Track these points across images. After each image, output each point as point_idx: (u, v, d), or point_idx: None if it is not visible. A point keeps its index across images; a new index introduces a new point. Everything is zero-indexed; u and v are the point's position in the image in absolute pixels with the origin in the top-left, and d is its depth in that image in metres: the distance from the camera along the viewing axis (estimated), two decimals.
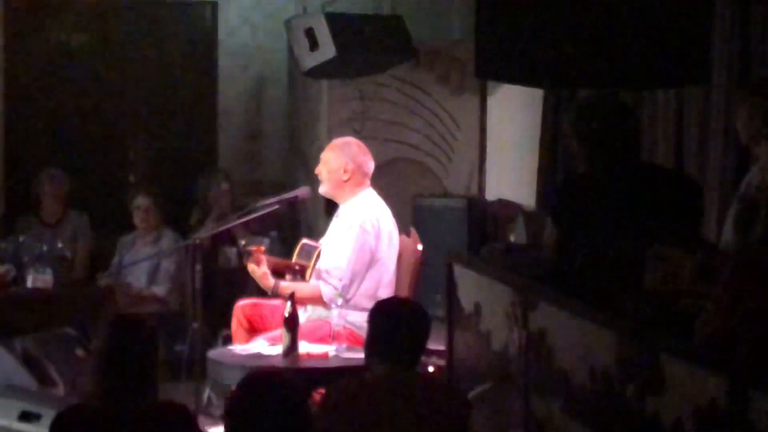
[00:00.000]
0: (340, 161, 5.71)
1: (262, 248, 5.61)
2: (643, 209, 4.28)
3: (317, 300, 5.60)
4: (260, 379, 3.27)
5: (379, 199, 5.77)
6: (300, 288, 5.58)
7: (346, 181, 5.70)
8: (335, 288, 5.53)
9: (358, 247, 5.58)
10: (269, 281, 5.60)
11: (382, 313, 4.12)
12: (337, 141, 5.90)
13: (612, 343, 3.49)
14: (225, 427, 3.23)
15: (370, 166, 5.77)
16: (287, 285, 5.62)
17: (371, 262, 5.62)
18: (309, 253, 5.78)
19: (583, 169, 4.56)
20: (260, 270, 5.57)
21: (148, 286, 7.42)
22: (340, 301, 5.41)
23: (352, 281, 5.58)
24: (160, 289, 7.39)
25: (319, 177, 5.79)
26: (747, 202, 4.07)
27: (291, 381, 3.26)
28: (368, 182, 5.77)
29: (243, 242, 5.83)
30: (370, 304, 5.19)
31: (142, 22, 8.54)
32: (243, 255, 5.71)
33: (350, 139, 5.92)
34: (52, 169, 7.57)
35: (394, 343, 3.97)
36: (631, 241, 4.07)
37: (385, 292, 5.62)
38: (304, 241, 5.93)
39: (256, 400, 3.16)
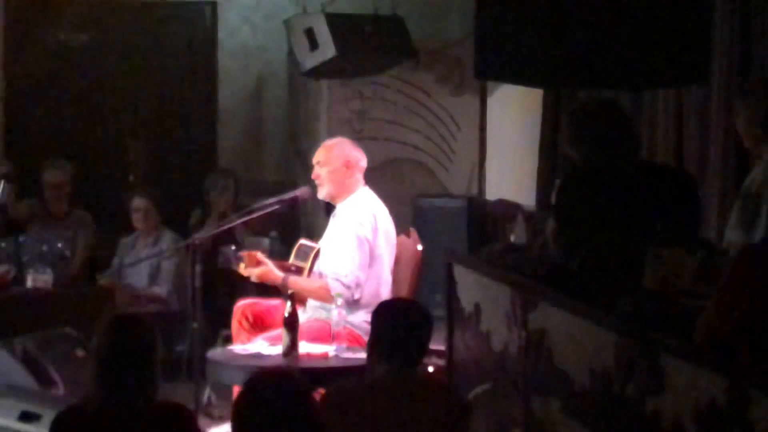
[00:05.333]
0: (340, 156, 5.69)
1: (254, 252, 5.64)
2: (644, 205, 4.27)
3: (325, 297, 5.58)
4: (265, 378, 3.25)
5: (376, 198, 5.77)
6: (308, 283, 5.59)
7: (348, 177, 5.69)
8: (343, 284, 5.51)
9: (359, 243, 5.57)
10: (276, 275, 5.59)
11: (385, 313, 4.12)
12: (329, 142, 5.89)
13: (612, 343, 3.49)
14: (232, 429, 3.22)
15: (364, 163, 5.77)
16: (296, 280, 5.62)
17: (372, 258, 5.61)
18: (306, 253, 5.78)
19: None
20: (262, 268, 5.57)
21: (149, 286, 7.42)
22: (339, 301, 5.41)
23: (359, 280, 5.55)
24: (161, 290, 7.39)
25: (318, 181, 5.75)
26: (750, 201, 4.07)
27: (296, 379, 3.24)
28: (363, 180, 5.77)
29: (233, 247, 5.82)
30: (373, 302, 5.20)
31: (142, 22, 8.54)
32: (236, 262, 5.70)
33: (340, 138, 5.93)
34: (52, 164, 7.43)
35: (397, 344, 3.97)
36: (632, 237, 4.06)
37: (385, 290, 5.61)
38: (302, 241, 5.93)
39: (263, 399, 3.14)
